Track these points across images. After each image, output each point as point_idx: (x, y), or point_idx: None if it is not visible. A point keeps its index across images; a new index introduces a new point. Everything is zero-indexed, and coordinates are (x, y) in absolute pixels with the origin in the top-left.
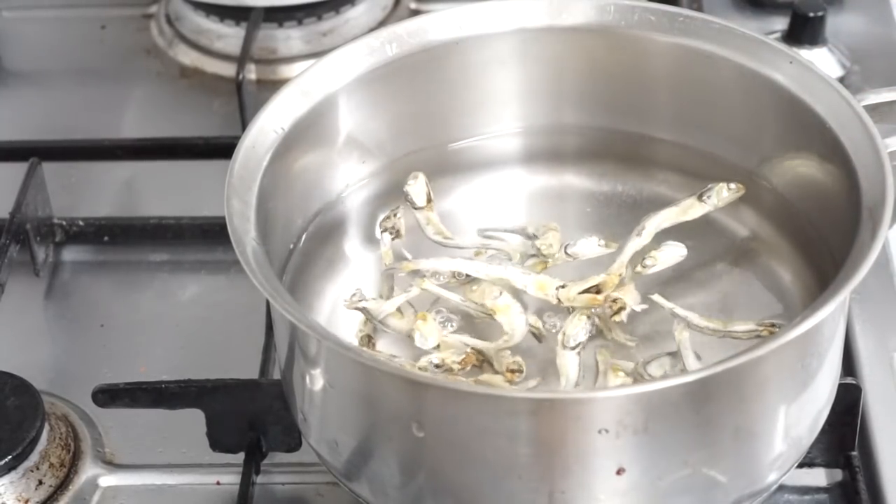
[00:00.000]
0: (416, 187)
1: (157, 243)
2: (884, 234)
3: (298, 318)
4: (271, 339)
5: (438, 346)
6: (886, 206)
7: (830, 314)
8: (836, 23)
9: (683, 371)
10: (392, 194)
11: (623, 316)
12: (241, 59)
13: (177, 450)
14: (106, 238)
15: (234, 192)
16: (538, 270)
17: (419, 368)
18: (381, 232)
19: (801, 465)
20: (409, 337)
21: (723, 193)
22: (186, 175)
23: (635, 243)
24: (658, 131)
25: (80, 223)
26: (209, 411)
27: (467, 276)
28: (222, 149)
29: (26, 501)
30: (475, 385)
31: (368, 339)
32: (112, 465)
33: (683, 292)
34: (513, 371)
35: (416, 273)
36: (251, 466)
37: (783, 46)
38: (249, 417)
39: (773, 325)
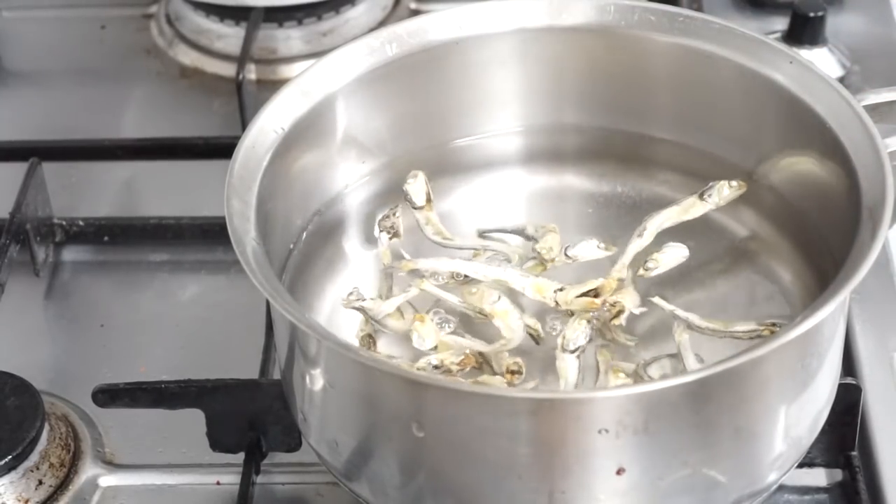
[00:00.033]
0: (416, 186)
1: (157, 243)
2: (884, 234)
3: (298, 318)
4: (271, 339)
5: (436, 347)
6: (886, 206)
7: (830, 314)
8: (836, 23)
9: (684, 372)
10: (392, 194)
11: (622, 319)
12: (241, 59)
13: (177, 450)
14: (106, 238)
15: (234, 192)
16: (537, 273)
17: (418, 369)
18: (379, 231)
19: (801, 465)
20: (408, 338)
21: (724, 191)
22: (186, 175)
23: (637, 244)
24: (658, 131)
25: (80, 223)
26: (209, 411)
27: (466, 276)
28: (222, 149)
29: (26, 501)
30: (475, 385)
31: (369, 339)
32: (112, 465)
33: (684, 292)
34: (513, 372)
35: (415, 273)
36: (251, 466)
37: (783, 46)
38: (249, 417)
39: (773, 325)
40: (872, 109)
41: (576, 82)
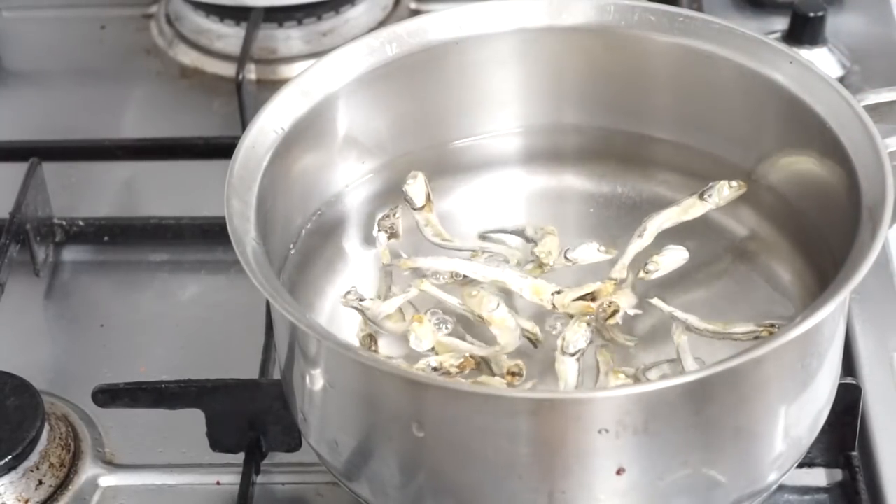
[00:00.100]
0: (415, 187)
1: (157, 243)
2: (884, 234)
3: (298, 318)
4: (271, 339)
5: (433, 348)
6: (886, 206)
7: (830, 314)
8: (836, 23)
9: (683, 373)
10: (392, 194)
11: (617, 319)
12: (241, 59)
13: (177, 450)
14: (106, 238)
15: (234, 192)
16: (536, 275)
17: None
18: (378, 231)
19: (801, 465)
20: (407, 338)
21: (724, 191)
22: (186, 175)
23: (637, 245)
24: (658, 131)
25: (80, 223)
26: (209, 411)
27: (465, 276)
28: (222, 149)
29: (26, 501)
30: (475, 385)
31: (370, 339)
32: (112, 465)
33: (683, 293)
34: (513, 374)
35: (415, 272)
36: (251, 466)
37: (783, 46)
38: (249, 417)
39: (772, 326)
40: (872, 109)
41: (575, 82)
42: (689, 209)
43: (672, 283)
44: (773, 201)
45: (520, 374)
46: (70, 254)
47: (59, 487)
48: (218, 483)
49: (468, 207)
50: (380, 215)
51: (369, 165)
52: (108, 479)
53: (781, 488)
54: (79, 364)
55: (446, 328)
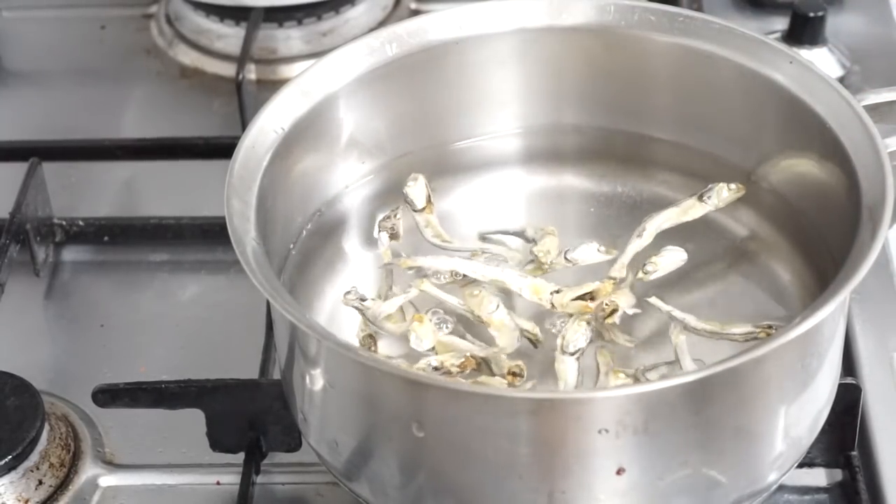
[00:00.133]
0: (416, 189)
1: (157, 243)
2: (884, 234)
3: (298, 318)
4: (271, 339)
5: (434, 348)
6: (886, 206)
7: (830, 314)
8: (836, 23)
9: (682, 373)
10: (392, 194)
11: (616, 318)
12: (241, 59)
13: (177, 450)
14: (106, 238)
15: (234, 192)
16: (536, 275)
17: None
18: (379, 231)
19: (801, 465)
20: (407, 338)
21: (723, 193)
22: (186, 175)
23: (636, 245)
24: (658, 131)
25: (80, 223)
26: (209, 411)
27: (465, 276)
28: (222, 149)
29: (26, 501)
30: (475, 385)
31: (370, 340)
32: (112, 465)
33: (683, 293)
34: (514, 374)
35: (416, 272)
36: (251, 466)
37: (783, 46)
38: (249, 417)
39: (769, 327)
40: (872, 109)
41: (575, 82)
42: (689, 210)
43: (672, 283)
44: (772, 201)
45: (521, 375)
46: (70, 254)
47: (59, 487)
48: (218, 483)
49: (468, 207)
50: (381, 216)
51: (369, 165)
52: (108, 479)
53: (781, 488)
54: (79, 364)
55: (447, 328)
